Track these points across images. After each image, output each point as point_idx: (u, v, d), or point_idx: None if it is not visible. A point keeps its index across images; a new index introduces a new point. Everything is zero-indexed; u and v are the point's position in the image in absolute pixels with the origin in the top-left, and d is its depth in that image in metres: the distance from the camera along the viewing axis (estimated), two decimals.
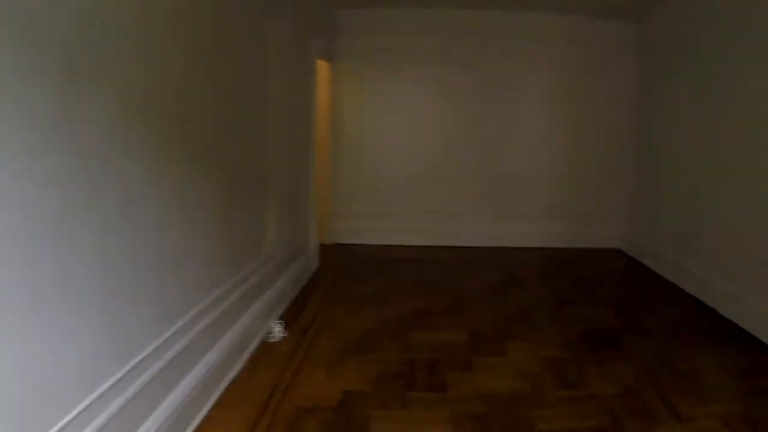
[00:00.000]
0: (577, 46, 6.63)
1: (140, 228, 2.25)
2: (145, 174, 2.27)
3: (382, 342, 3.82)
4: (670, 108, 5.86)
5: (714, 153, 4.97)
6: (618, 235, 6.97)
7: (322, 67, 6.30)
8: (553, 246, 6.91)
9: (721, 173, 4.82)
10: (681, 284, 5.32)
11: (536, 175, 6.89)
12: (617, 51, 6.71)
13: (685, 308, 4.76)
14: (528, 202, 6.93)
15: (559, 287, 5.32)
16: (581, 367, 3.49)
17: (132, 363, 2.17)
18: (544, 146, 6.85)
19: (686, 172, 5.45)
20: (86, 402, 1.88)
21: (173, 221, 2.56)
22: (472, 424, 2.78)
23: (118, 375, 2.07)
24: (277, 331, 3.86)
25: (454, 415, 2.85)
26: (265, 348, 3.67)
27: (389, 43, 6.58)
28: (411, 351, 3.67)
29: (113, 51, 2.02)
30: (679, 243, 5.50)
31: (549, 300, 4.92)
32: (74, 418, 1.80)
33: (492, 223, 6.94)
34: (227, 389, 3.08)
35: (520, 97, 6.74)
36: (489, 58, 6.65)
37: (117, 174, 2.07)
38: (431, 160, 6.83)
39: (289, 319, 4.19)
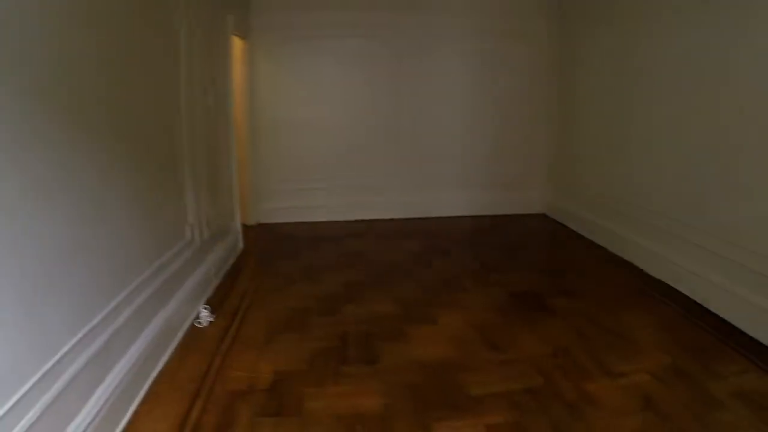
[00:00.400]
0: (493, 12, 6.74)
1: (47, 218, 2.14)
2: (50, 161, 2.16)
3: (312, 319, 3.83)
4: (588, 71, 6.05)
5: (631, 115, 5.13)
6: (542, 199, 7.22)
7: (237, 44, 6.14)
8: (479, 214, 7.09)
9: (639, 135, 5.00)
10: (606, 245, 5.54)
11: (458, 143, 7.02)
12: (534, 15, 6.85)
13: (611, 269, 4.93)
14: (451, 171, 7.07)
15: (484, 254, 5.43)
16: (511, 331, 3.60)
17: (53, 360, 2.09)
18: (465, 114, 6.97)
19: (605, 134, 5.66)
20: (8, 404, 1.81)
21: (84, 209, 2.45)
22: (406, 394, 2.84)
23: (39, 374, 1.99)
24: (204, 315, 3.80)
25: (387, 386, 2.90)
26: (194, 333, 3.61)
27: (305, 18, 6.47)
28: (342, 325, 3.70)
29: (13, 33, 1.90)
30: (602, 205, 5.72)
31: (475, 267, 5.02)
32: None
33: (416, 194, 7.04)
34: (158, 379, 3.02)
35: (438, 66, 6.79)
36: (405, 30, 6.66)
37: (19, 162, 1.96)
38: (352, 135, 6.83)
39: (216, 302, 4.13)
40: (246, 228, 6.39)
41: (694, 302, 4.04)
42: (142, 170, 3.13)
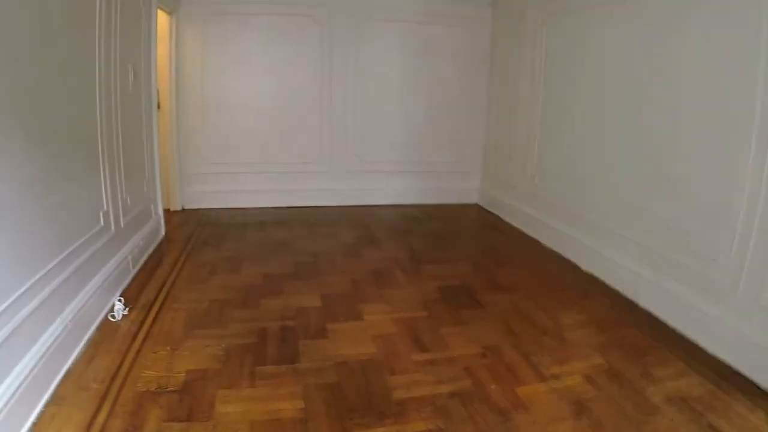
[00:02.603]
0: None
1: None
2: None
3: (231, 312, 3.69)
4: (524, 60, 6.06)
5: (566, 106, 5.19)
6: (475, 189, 7.25)
7: (162, 19, 5.87)
8: (413, 203, 7.10)
9: (574, 126, 5.04)
10: (539, 238, 5.61)
11: (391, 129, 6.97)
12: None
13: (544, 263, 4.97)
14: (383, 158, 7.02)
15: (415, 245, 5.39)
16: (439, 328, 3.53)
17: None
18: (400, 99, 6.91)
19: (540, 124, 5.70)
20: None
21: None
22: (325, 396, 2.74)
23: None
24: (119, 308, 3.62)
25: (305, 389, 2.79)
26: (106, 329, 3.42)
27: None
28: (261, 320, 3.58)
29: None
30: (534, 196, 5.79)
31: (404, 258, 4.97)
32: None
33: (346, 181, 6.95)
34: (63, 380, 2.83)
35: (373, 48, 6.70)
36: (340, 8, 6.51)
37: None
38: (282, 117, 6.67)
39: (132, 294, 3.94)
40: (170, 213, 6.21)
41: (626, 298, 4.11)
42: (45, 152, 2.90)
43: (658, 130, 3.88)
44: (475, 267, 4.77)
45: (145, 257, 4.73)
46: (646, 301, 3.94)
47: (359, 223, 6.17)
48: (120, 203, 4.11)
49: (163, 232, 5.51)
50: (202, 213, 6.42)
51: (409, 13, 6.62)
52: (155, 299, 3.89)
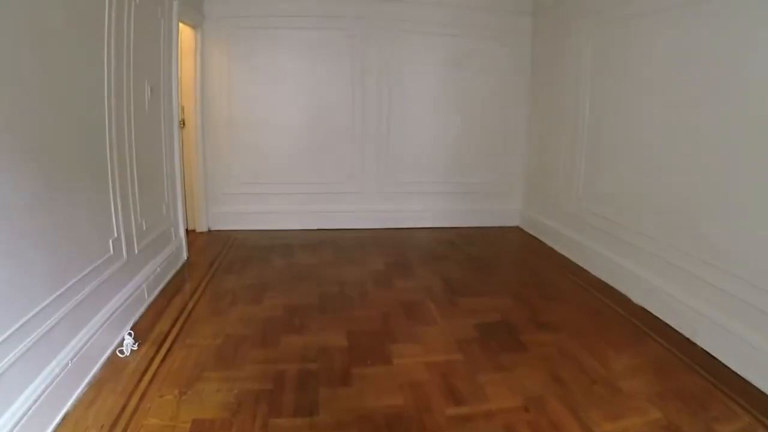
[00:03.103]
0: (470, 4, 6.30)
1: None
2: None
3: (247, 351, 3.36)
4: (569, 75, 5.67)
5: (616, 123, 4.77)
6: (516, 211, 6.85)
7: (187, 34, 5.67)
8: (447, 225, 6.71)
9: (625, 145, 4.63)
10: (586, 266, 5.17)
11: (427, 148, 6.61)
12: (515, 11, 6.43)
13: (591, 295, 4.52)
14: (418, 178, 6.65)
15: (451, 273, 5.01)
16: (476, 375, 3.14)
17: None
18: (434, 116, 6.55)
19: (588, 143, 5.27)
20: None
21: None
22: None
23: None
24: (127, 343, 3.33)
25: None
26: (113, 366, 3.14)
27: (263, 6, 5.98)
28: (280, 362, 3.24)
29: None
30: (580, 220, 5.36)
31: (439, 289, 4.58)
32: None
33: (379, 203, 6.62)
34: (60, 426, 2.56)
35: (408, 63, 6.36)
36: (373, 21, 6.20)
37: None
38: (312, 135, 6.37)
39: (145, 325, 3.68)
40: (195, 235, 5.98)
41: (683, 337, 3.67)
42: (43, 176, 2.63)
43: (718, 150, 3.47)
44: (516, 299, 4.36)
45: (163, 283, 4.47)
46: (705, 341, 3.50)
47: (392, 247, 5.82)
48: (134, 228, 3.85)
49: (185, 256, 5.25)
50: (228, 235, 6.15)
51: (444, 26, 6.29)
52: (168, 332, 3.60)
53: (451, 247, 5.91)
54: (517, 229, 6.76)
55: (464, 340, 3.58)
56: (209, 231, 6.32)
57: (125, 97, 3.66)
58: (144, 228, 4.07)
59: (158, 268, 4.34)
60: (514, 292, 4.55)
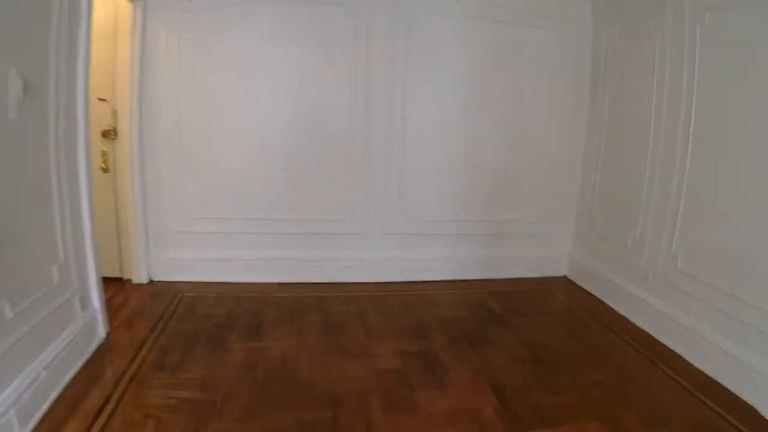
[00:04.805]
0: None
1: None
2: None
3: None
4: (646, 79, 4.01)
5: (710, 145, 3.36)
6: (563, 257, 5.09)
7: (123, 9, 3.97)
8: (475, 278, 4.93)
9: (749, 182, 3.08)
10: (685, 354, 3.52)
11: (453, 173, 4.81)
12: None
13: (701, 406, 2.92)
14: (441, 215, 4.86)
15: (504, 375, 3.23)
16: None
17: None
18: (462, 130, 4.77)
19: (680, 170, 3.69)
20: None
21: None
22: None
23: None
24: None
25: None
26: None
27: None
28: None
29: None
30: (676, 286, 3.71)
31: (494, 413, 2.83)
32: None
33: (387, 248, 4.82)
34: None
35: (426, 56, 4.56)
36: None
37: None
38: (295, 153, 4.57)
39: None
40: (128, 290, 4.33)
41: None
42: None
43: None
44: (610, 427, 2.69)
45: (54, 394, 2.80)
46: None
47: (407, 320, 4.04)
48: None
49: (103, 332, 3.55)
50: (174, 290, 4.40)
51: (478, 7, 4.55)
52: None
53: (489, 317, 4.14)
54: (565, 281, 5.03)
55: None
56: (151, 282, 4.57)
57: None
58: (8, 314, 2.37)
59: (43, 372, 2.67)
60: (604, 412, 2.85)
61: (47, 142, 2.86)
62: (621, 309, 4.25)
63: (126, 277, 4.55)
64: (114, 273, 4.52)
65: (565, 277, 5.10)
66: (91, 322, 3.40)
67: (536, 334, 3.84)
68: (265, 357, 3.34)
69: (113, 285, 4.39)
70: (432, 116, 4.64)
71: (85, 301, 3.34)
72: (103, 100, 4.18)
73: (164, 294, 4.33)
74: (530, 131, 4.83)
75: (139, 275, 4.51)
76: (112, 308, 3.96)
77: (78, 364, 3.14)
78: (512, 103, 4.75)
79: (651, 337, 3.82)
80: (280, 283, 4.61)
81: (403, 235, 4.80)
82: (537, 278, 5.03)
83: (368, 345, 3.57)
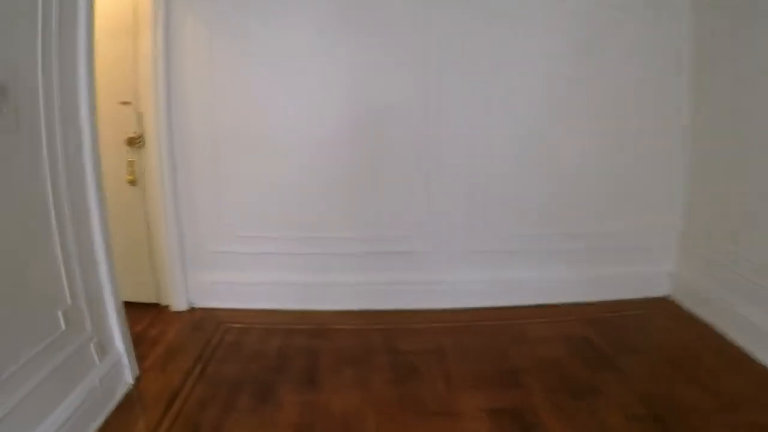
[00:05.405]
0: None
1: None
2: None
3: None
4: (755, 65, 3.14)
5: None
6: (666, 275, 4.22)
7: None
8: (568, 301, 4.10)
9: None
10: None
11: (532, 181, 4.01)
12: None
13: None
14: (526, 230, 4.05)
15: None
16: None
17: None
18: (552, 130, 3.93)
19: None
20: None
21: None
22: None
23: None
24: None
25: None
26: None
27: None
28: None
29: None
30: None
31: None
32: None
33: (465, 269, 4.04)
34: None
35: (503, 42, 3.75)
36: None
37: None
38: (352, 159, 3.86)
39: None
40: (166, 318, 3.77)
41: None
42: None
43: None
44: None
45: None
46: None
47: (493, 361, 3.25)
48: None
49: (130, 378, 2.99)
50: (217, 320, 3.82)
51: None
52: None
53: (593, 356, 3.31)
54: (669, 303, 4.10)
55: None
56: (191, 309, 4.00)
57: None
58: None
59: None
60: None
61: (39, 160, 2.28)
62: (747, 342, 3.38)
63: (163, 303, 4.01)
64: (150, 298, 4.01)
65: (667, 299, 4.20)
66: (115, 368, 2.86)
67: (652, 380, 3.03)
68: (324, 416, 2.68)
69: (149, 313, 3.87)
70: (513, 113, 3.85)
71: (104, 346, 2.78)
72: (127, 103, 3.62)
73: (205, 324, 3.75)
74: (625, 129, 3.99)
75: (177, 302, 3.95)
76: (146, 342, 3.45)
77: (98, 421, 2.61)
78: (601, 97, 3.90)
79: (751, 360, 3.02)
80: (337, 311, 3.93)
81: (483, 253, 4.02)
82: (636, 300, 4.15)
83: (449, 399, 2.85)
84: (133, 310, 3.62)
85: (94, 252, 2.72)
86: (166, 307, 3.99)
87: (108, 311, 2.85)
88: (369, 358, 3.28)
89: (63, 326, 2.43)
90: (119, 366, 2.91)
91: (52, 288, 2.38)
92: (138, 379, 3.03)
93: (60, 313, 2.41)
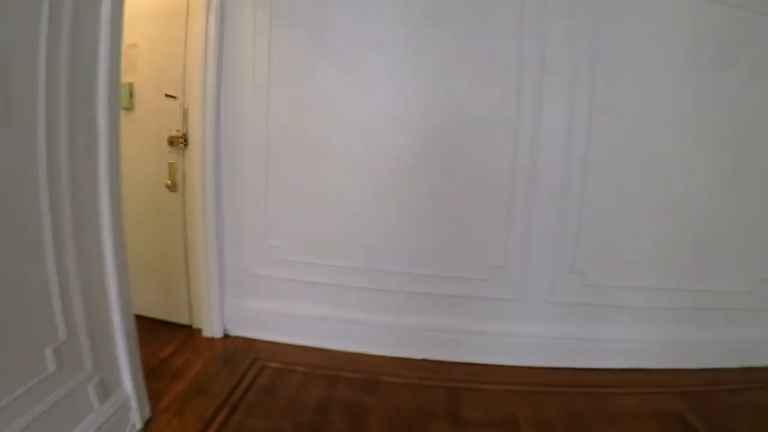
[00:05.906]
0: None
1: None
2: None
3: None
4: None
5: None
6: None
7: None
8: (660, 367, 3.36)
9: None
10: None
11: (647, 222, 3.29)
12: None
13: None
14: (628, 281, 3.34)
15: None
16: None
17: None
18: (665, 161, 3.22)
19: None
20: None
21: None
22: None
23: None
24: None
25: None
26: None
27: None
28: None
29: None
30: None
31: None
32: None
33: (545, 320, 3.38)
34: None
35: (623, 44, 3.08)
36: None
37: None
38: (428, 182, 3.26)
39: None
40: (196, 345, 3.30)
41: None
42: None
43: None
44: None
45: None
46: None
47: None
48: None
49: (139, 423, 2.51)
50: (254, 353, 3.32)
51: None
52: None
53: None
54: None
55: None
56: (225, 336, 3.50)
57: None
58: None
59: None
60: None
61: (33, 159, 1.80)
62: None
63: (196, 325, 3.54)
64: (182, 319, 3.55)
65: None
66: (120, 411, 2.38)
67: None
68: None
69: (178, 336, 3.42)
70: (627, 138, 3.19)
71: (107, 386, 2.31)
72: (172, 96, 3.16)
73: (238, 358, 3.24)
74: (760, 162, 3.27)
75: (210, 326, 3.46)
76: (167, 373, 2.98)
77: None
78: (734, 120, 3.21)
79: None
80: (393, 357, 3.35)
81: (573, 306, 3.34)
82: (737, 370, 3.39)
83: None
84: (161, 329, 3.25)
85: (103, 272, 2.24)
86: (199, 330, 3.52)
87: (117, 343, 2.38)
88: (427, 427, 2.67)
89: (52, 367, 1.96)
90: (125, 409, 2.43)
91: (39, 320, 1.90)
92: (148, 423, 2.55)
93: (49, 351, 1.94)
